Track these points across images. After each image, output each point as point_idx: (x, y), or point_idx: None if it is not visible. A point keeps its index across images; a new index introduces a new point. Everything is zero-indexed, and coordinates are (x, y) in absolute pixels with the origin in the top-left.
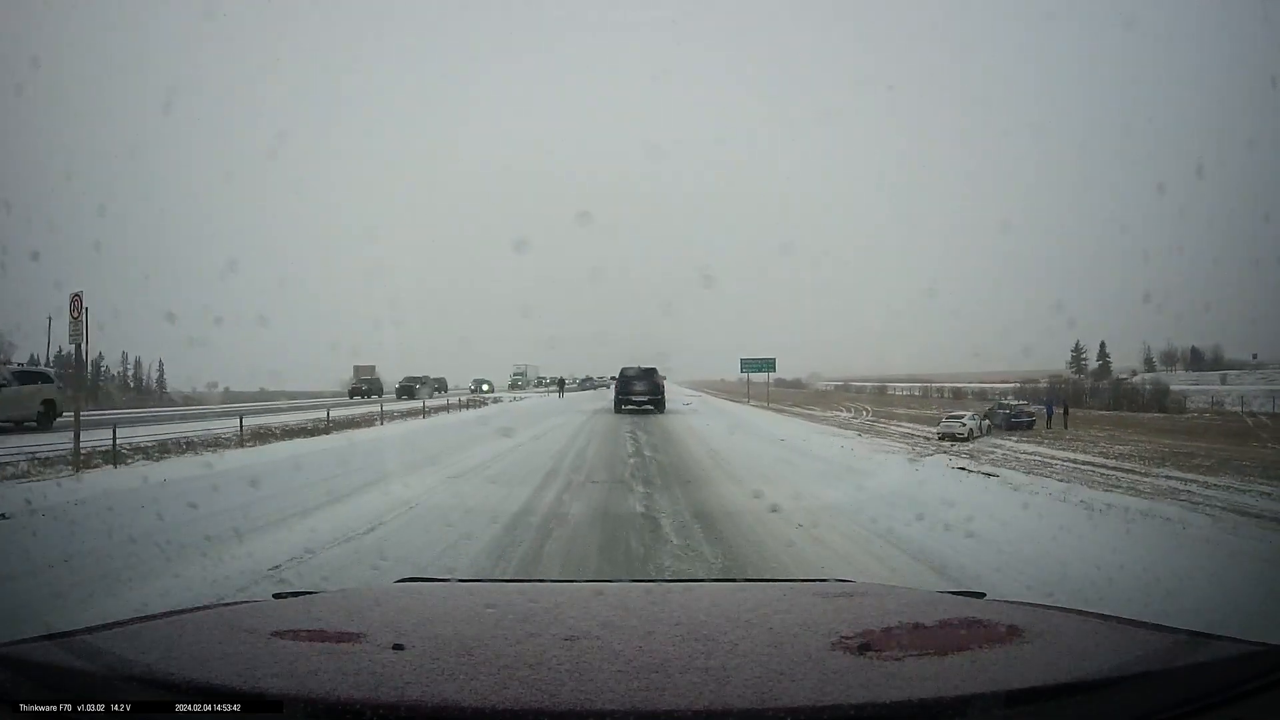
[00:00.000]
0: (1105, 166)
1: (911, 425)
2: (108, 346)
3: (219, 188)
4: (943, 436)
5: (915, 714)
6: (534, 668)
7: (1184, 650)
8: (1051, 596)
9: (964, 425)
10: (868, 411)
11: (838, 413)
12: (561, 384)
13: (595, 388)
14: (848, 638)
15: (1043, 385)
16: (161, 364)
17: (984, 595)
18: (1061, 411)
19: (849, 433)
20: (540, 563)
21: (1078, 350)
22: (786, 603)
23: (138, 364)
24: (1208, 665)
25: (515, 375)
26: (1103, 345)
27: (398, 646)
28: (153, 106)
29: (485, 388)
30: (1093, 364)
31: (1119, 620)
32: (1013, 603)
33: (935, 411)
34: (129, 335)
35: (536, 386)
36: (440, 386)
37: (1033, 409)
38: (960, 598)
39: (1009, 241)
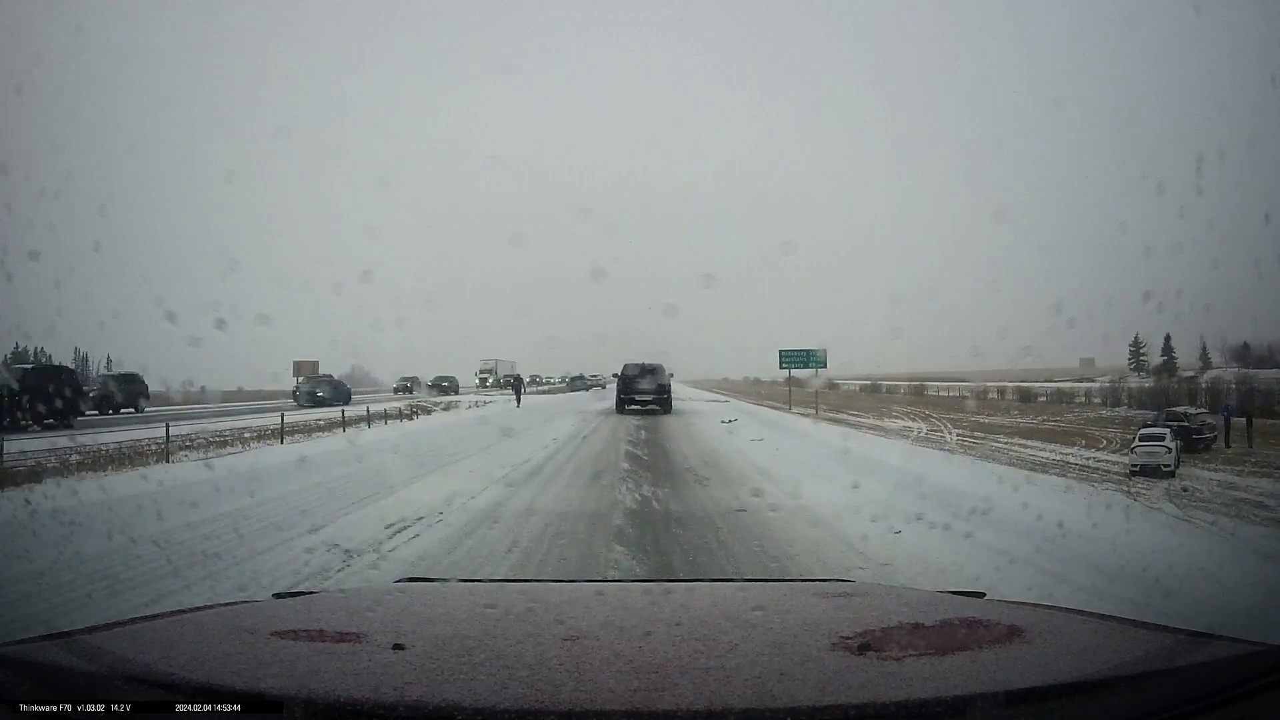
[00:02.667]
0: (1106, 164)
1: (1033, 444)
2: (59, 344)
3: (218, 187)
4: (1139, 471)
5: (915, 714)
6: (534, 668)
7: (1184, 650)
8: (1051, 596)
9: (1169, 452)
10: (944, 423)
11: (908, 423)
12: (518, 386)
13: (589, 387)
14: (848, 638)
15: (1130, 384)
16: (109, 361)
17: (984, 595)
18: (1245, 423)
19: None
20: None
21: (1137, 345)
22: (787, 603)
23: (84, 361)
24: (1208, 665)
25: (481, 373)
26: (1168, 339)
27: (398, 646)
28: (153, 106)
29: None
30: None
31: (1119, 620)
32: (1013, 603)
33: (1034, 420)
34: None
35: (503, 388)
36: (327, 391)
37: (1211, 420)
38: (960, 598)
39: (1009, 238)
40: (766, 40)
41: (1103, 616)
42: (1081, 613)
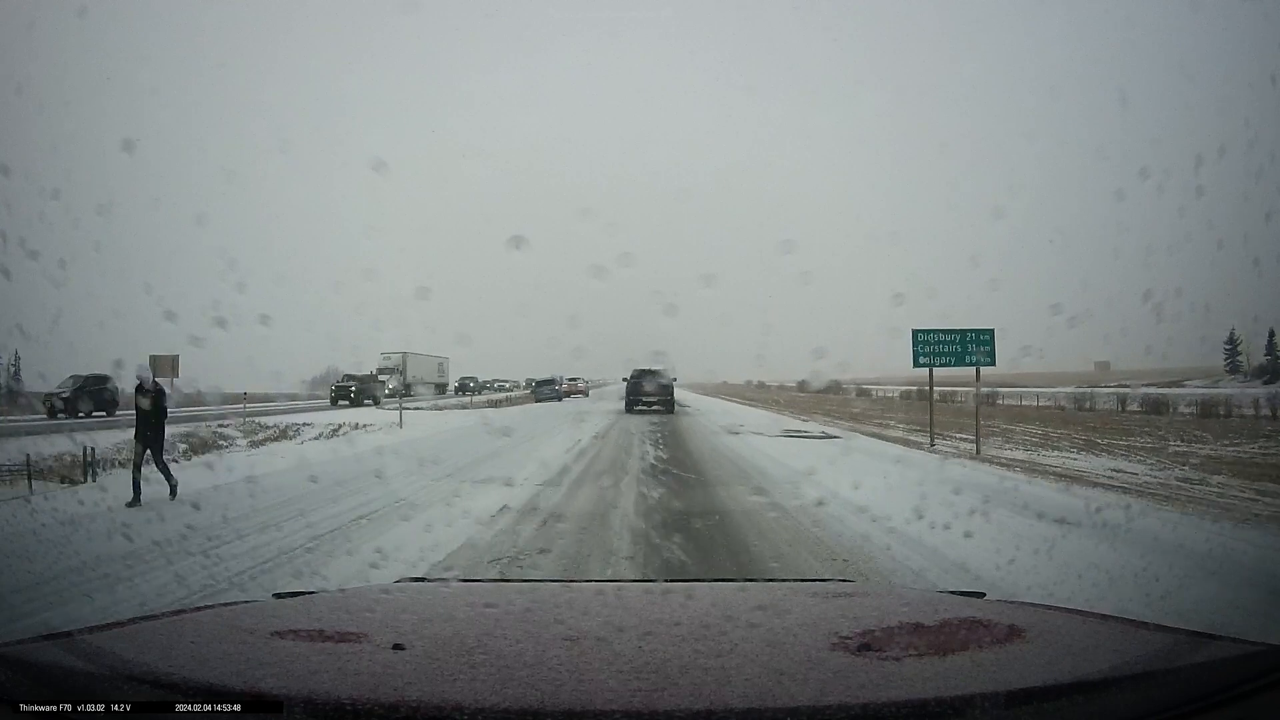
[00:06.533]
0: (1107, 163)
1: None
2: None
3: (218, 187)
4: None
5: (915, 714)
6: (534, 668)
7: (1184, 650)
8: (1052, 596)
9: None
10: (1145, 454)
11: (1112, 461)
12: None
13: (561, 396)
14: (848, 638)
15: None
16: (17, 357)
17: (984, 595)
18: None
19: None
20: None
21: (1233, 343)
22: (787, 603)
23: None
24: (1208, 665)
25: (379, 370)
26: (1271, 335)
27: (398, 646)
28: (152, 106)
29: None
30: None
31: (1119, 620)
32: (1013, 603)
33: (1267, 450)
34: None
35: (423, 393)
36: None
37: None
38: (960, 598)
39: (1009, 237)
40: (766, 40)
41: (1103, 616)
42: (1081, 613)
